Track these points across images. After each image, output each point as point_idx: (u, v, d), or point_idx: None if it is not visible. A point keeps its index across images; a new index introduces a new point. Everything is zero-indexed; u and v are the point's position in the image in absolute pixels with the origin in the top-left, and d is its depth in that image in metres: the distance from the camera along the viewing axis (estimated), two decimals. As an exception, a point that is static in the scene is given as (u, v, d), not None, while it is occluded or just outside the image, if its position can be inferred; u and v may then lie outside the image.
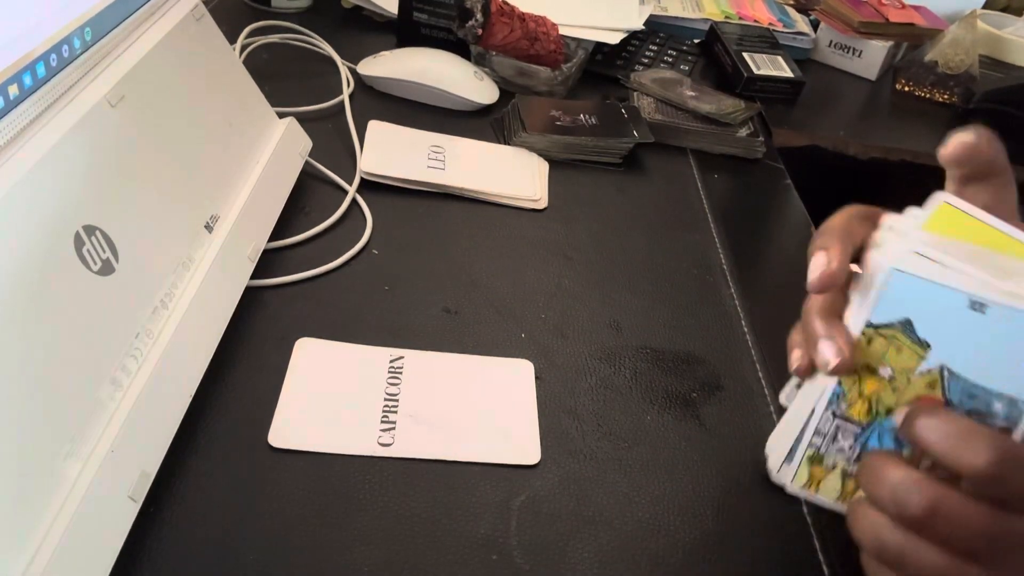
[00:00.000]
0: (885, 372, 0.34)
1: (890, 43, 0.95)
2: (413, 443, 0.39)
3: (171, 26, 0.44)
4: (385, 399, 0.41)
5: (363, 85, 0.69)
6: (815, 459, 0.36)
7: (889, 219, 0.34)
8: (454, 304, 0.49)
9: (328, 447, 0.38)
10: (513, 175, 0.61)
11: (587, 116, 0.67)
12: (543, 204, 0.59)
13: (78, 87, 0.36)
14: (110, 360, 0.34)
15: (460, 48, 0.72)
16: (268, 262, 0.48)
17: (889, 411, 0.34)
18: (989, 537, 0.28)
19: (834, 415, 0.35)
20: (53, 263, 0.32)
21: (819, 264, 0.34)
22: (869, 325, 0.33)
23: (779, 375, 0.48)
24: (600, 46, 0.79)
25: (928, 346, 0.32)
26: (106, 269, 0.34)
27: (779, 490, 0.41)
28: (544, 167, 0.63)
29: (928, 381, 0.33)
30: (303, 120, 0.56)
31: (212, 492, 0.36)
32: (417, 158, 0.59)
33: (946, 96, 0.93)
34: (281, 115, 0.55)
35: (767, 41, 0.89)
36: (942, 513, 0.29)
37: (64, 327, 0.32)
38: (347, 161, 0.58)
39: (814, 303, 0.36)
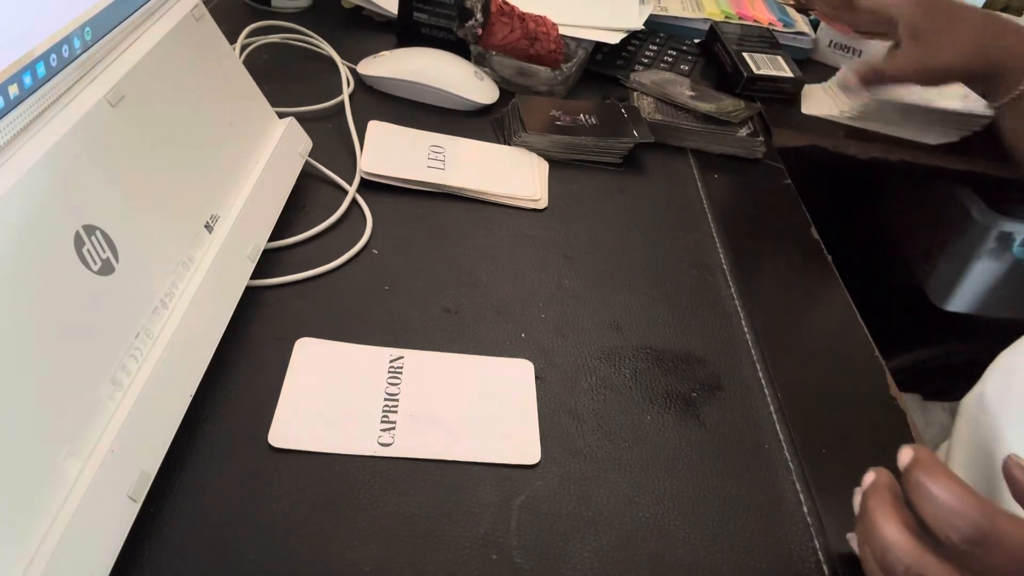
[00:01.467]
0: None
1: (890, 43, 0.95)
2: (413, 443, 0.40)
3: (171, 26, 0.44)
4: (385, 399, 0.41)
5: (363, 85, 0.69)
6: None
7: None
8: (454, 304, 0.49)
9: (328, 447, 0.39)
10: (513, 175, 0.61)
11: (587, 116, 0.67)
12: (543, 204, 0.59)
13: (78, 87, 0.36)
14: (110, 360, 0.34)
15: (460, 48, 0.72)
16: (268, 262, 0.48)
17: None
18: None
19: None
20: (53, 263, 0.32)
21: None
22: None
23: (779, 374, 0.48)
24: (600, 46, 0.79)
25: None
26: (106, 269, 0.34)
27: (779, 491, 0.41)
28: (544, 167, 0.63)
29: None
30: (303, 120, 0.56)
31: (212, 492, 0.36)
32: (417, 158, 0.59)
33: (946, 96, 0.93)
34: (281, 115, 0.55)
35: (767, 41, 0.89)
36: None
37: (64, 327, 0.32)
38: (347, 161, 0.58)
39: None
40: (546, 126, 0.64)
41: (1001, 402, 0.46)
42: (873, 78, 0.70)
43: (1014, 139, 0.65)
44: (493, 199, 0.58)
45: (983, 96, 0.69)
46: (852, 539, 0.36)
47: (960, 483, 0.30)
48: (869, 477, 0.35)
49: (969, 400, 0.50)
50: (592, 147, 0.65)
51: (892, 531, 0.31)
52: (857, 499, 0.35)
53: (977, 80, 0.66)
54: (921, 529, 0.31)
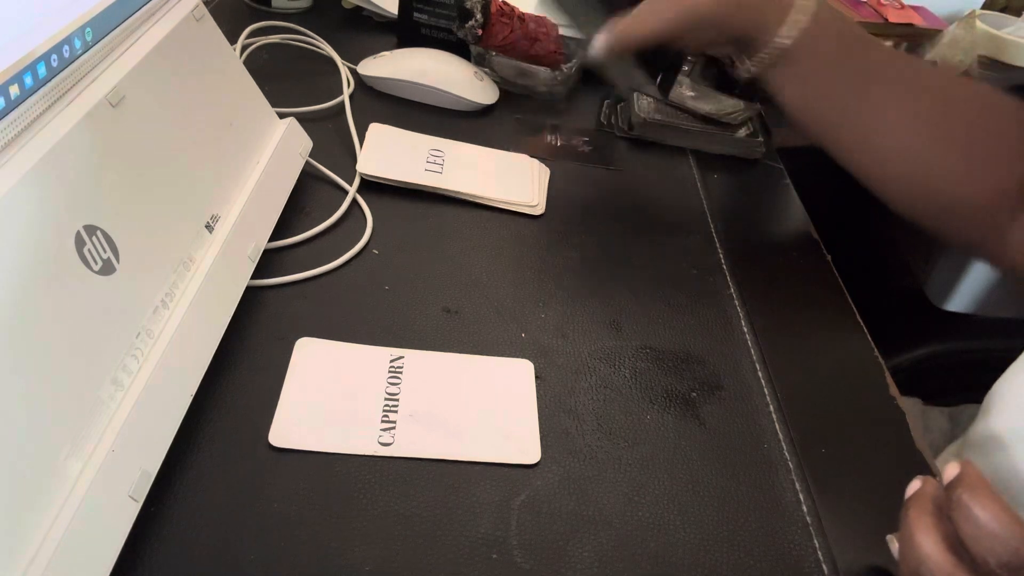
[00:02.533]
0: None
1: (889, 43, 0.95)
2: (413, 442, 0.40)
3: (172, 26, 0.44)
4: (385, 399, 0.41)
5: (363, 85, 0.69)
6: None
7: None
8: (454, 304, 0.49)
9: (328, 447, 0.39)
10: (512, 180, 0.60)
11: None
12: (540, 210, 0.59)
13: (79, 87, 0.37)
14: (111, 360, 0.34)
15: (460, 48, 0.73)
16: (268, 262, 0.48)
17: None
18: None
19: None
20: (54, 263, 0.32)
21: None
22: None
23: (779, 374, 0.49)
24: (600, 46, 0.79)
25: None
26: (107, 269, 0.35)
27: (779, 491, 0.41)
28: (545, 173, 0.63)
29: None
30: (303, 120, 0.56)
31: (212, 491, 0.36)
32: (415, 160, 0.59)
33: (946, 96, 0.92)
34: (282, 115, 0.55)
35: (767, 41, 0.89)
36: None
37: (65, 327, 0.32)
38: (347, 161, 0.59)
39: None
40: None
41: (1013, 439, 0.45)
42: (610, 47, 0.53)
43: (794, 107, 0.55)
44: (489, 203, 0.58)
45: (734, 58, 0.57)
46: (892, 541, 0.36)
47: (1003, 506, 0.30)
48: (915, 485, 0.34)
49: (974, 432, 0.49)
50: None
51: (928, 545, 0.31)
52: None
53: (727, 34, 0.52)
54: (960, 545, 0.31)
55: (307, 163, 0.56)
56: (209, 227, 0.43)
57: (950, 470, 0.32)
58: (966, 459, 0.32)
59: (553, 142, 0.68)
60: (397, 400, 0.42)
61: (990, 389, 0.49)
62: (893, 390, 0.49)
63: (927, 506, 0.33)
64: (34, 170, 0.32)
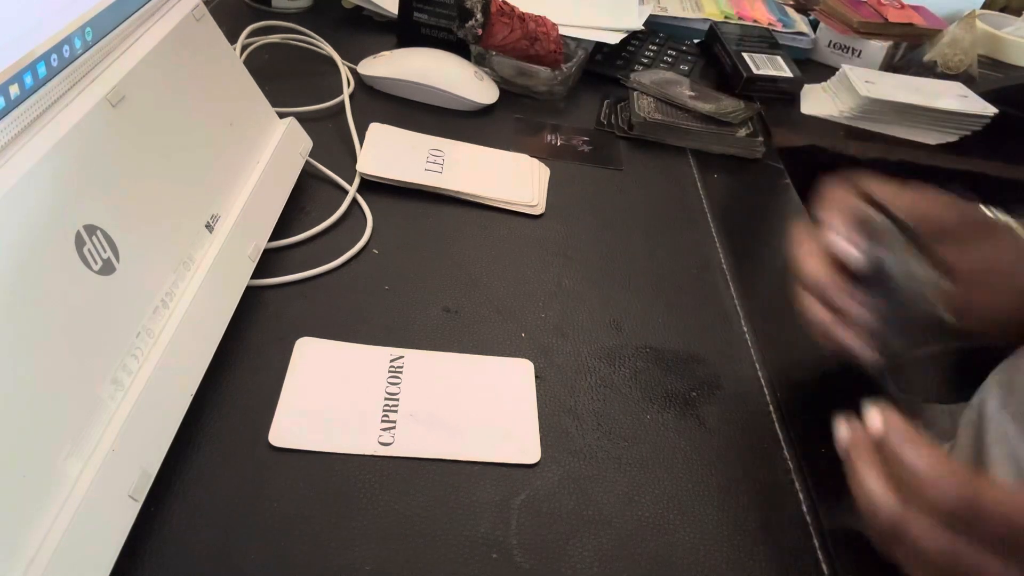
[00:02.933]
0: None
1: (889, 43, 0.95)
2: (413, 442, 0.40)
3: (172, 26, 0.44)
4: (385, 398, 0.41)
5: (363, 85, 0.69)
6: None
7: None
8: (454, 304, 0.49)
9: (328, 446, 0.39)
10: (512, 180, 0.61)
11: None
12: (540, 210, 0.59)
13: (79, 87, 0.37)
14: (111, 359, 0.34)
15: (460, 48, 0.73)
16: (268, 262, 0.48)
17: None
18: (946, 557, 0.30)
19: None
20: (54, 263, 0.32)
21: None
22: None
23: (778, 374, 0.49)
24: (600, 46, 0.79)
25: None
26: (107, 268, 0.35)
27: (778, 490, 0.41)
28: (545, 173, 0.63)
29: None
30: (303, 120, 0.56)
31: (212, 491, 0.36)
32: (415, 160, 0.59)
33: (945, 96, 0.93)
34: (282, 115, 0.55)
35: (766, 41, 0.89)
36: (904, 532, 0.31)
37: (65, 326, 0.32)
38: (347, 161, 0.59)
39: None
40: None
41: (1001, 415, 0.45)
42: None
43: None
44: (489, 203, 0.58)
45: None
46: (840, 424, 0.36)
47: (938, 452, 0.30)
48: (844, 434, 0.35)
49: (970, 413, 0.49)
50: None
51: (875, 483, 0.32)
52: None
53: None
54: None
55: (307, 163, 0.56)
56: (209, 227, 0.43)
57: (874, 419, 0.32)
58: (882, 408, 0.32)
59: (553, 142, 0.68)
60: (397, 400, 0.42)
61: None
62: (893, 390, 0.49)
63: (868, 455, 0.33)
64: (34, 170, 0.32)
